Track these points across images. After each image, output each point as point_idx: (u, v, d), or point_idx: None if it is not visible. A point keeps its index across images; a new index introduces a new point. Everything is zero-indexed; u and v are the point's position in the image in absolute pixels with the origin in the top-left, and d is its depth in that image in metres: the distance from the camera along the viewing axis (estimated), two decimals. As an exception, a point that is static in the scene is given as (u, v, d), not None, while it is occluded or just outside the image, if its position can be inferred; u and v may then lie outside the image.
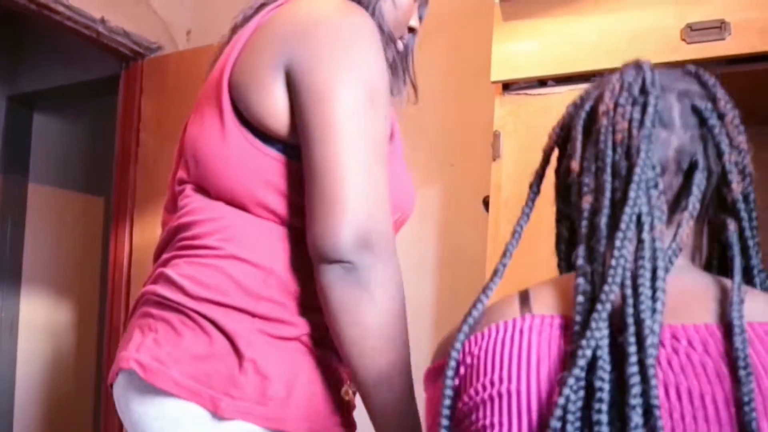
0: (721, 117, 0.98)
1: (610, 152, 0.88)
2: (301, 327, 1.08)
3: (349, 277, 0.99)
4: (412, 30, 1.37)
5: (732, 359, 0.75)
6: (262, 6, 1.19)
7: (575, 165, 0.94)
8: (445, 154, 2.99)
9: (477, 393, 0.84)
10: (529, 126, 2.19)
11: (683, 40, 1.99)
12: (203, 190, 1.12)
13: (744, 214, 0.93)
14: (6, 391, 4.57)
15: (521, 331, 0.86)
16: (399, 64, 1.36)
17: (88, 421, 4.55)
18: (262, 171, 1.07)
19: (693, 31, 1.98)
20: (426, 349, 2.90)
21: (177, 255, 1.10)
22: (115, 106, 3.66)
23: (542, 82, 2.22)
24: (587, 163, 0.91)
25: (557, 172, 1.06)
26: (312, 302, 1.06)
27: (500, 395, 0.81)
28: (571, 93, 2.12)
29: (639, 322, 0.78)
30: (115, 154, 3.59)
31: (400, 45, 1.34)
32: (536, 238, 2.14)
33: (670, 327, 0.80)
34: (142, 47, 3.50)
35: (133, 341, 1.07)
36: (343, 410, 1.14)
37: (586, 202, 0.90)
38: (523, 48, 2.21)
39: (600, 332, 0.79)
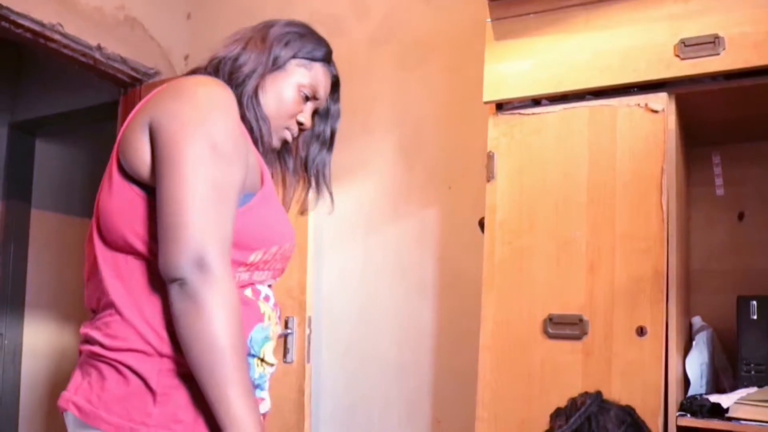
0: None
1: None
2: None
3: (182, 291, 1.19)
4: (301, 125, 1.57)
5: None
6: None
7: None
8: (442, 177, 2.97)
9: None
10: (522, 146, 2.16)
11: (677, 56, 1.97)
12: (103, 240, 1.33)
13: None
14: (10, 416, 4.56)
15: None
16: (279, 148, 1.60)
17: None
18: (139, 207, 1.28)
19: (687, 47, 1.96)
20: (427, 371, 2.88)
21: (98, 318, 1.32)
22: (115, 131, 3.67)
23: (536, 101, 2.19)
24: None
25: None
26: None
27: None
28: (565, 112, 2.12)
29: None
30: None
31: (286, 134, 1.56)
32: (531, 265, 2.12)
33: None
34: (140, 73, 3.50)
35: (74, 382, 1.31)
36: None
37: None
38: (515, 67, 2.19)
39: None
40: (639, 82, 2.03)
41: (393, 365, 3.00)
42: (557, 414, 1.66)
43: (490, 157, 2.21)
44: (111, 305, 1.29)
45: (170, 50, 3.65)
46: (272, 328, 1.41)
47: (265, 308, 1.40)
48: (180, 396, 1.24)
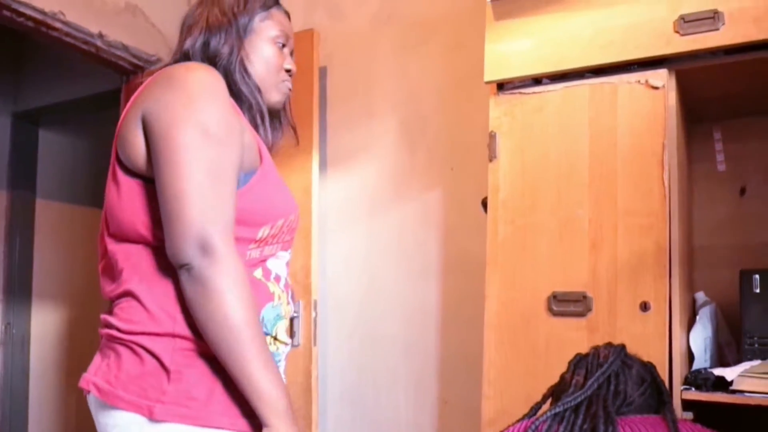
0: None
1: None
2: None
3: (191, 276, 1.23)
4: (289, 71, 1.61)
5: None
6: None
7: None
8: (444, 158, 2.97)
9: None
10: (524, 125, 2.17)
11: (677, 32, 1.97)
12: (113, 235, 1.37)
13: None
14: (19, 405, 4.59)
15: None
16: (282, 108, 1.66)
17: (103, 434, 4.56)
18: (144, 198, 1.32)
19: (686, 23, 1.96)
20: (432, 352, 2.90)
21: (115, 305, 1.37)
22: (118, 119, 3.67)
23: (537, 80, 2.20)
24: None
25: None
26: None
27: None
28: (566, 90, 2.13)
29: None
30: (118, 168, 3.59)
31: (283, 87, 1.60)
32: (534, 243, 2.13)
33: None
34: (142, 60, 3.51)
35: (94, 364, 1.37)
36: None
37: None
38: (516, 47, 2.19)
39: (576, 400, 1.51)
40: (639, 58, 2.03)
41: (399, 346, 3.02)
42: (578, 363, 1.66)
43: (491, 136, 2.21)
44: (126, 293, 1.34)
45: (172, 37, 3.65)
46: (284, 307, 1.45)
47: (275, 288, 1.43)
48: (193, 374, 1.28)
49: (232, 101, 1.41)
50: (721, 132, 2.44)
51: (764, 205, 2.37)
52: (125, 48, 3.40)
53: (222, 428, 1.28)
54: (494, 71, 2.22)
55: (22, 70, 4.75)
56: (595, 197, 2.05)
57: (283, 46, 1.59)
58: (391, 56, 3.14)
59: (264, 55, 1.54)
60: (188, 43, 1.52)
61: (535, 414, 1.67)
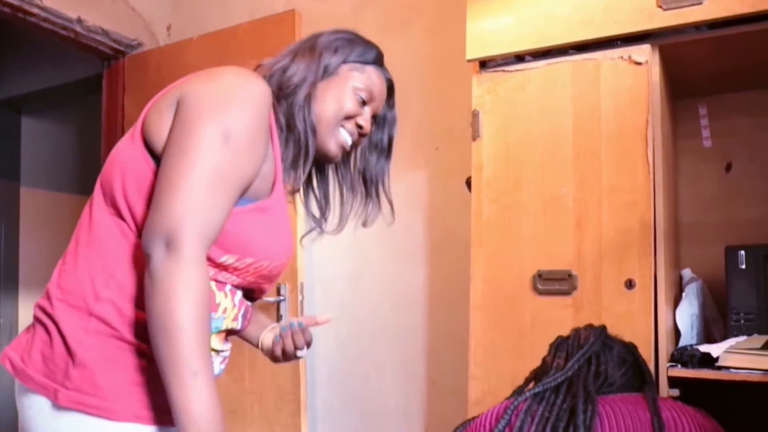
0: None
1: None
2: (132, 328, 1.24)
3: (148, 268, 1.16)
4: (360, 128, 1.52)
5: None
6: None
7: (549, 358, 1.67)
8: (429, 139, 2.95)
9: None
10: (507, 103, 2.15)
11: (659, 6, 1.95)
12: (102, 186, 1.32)
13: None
14: (9, 397, 4.56)
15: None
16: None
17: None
18: (137, 170, 1.26)
19: (669, -3, 1.94)
20: (420, 333, 2.88)
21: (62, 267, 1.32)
22: (100, 104, 3.64)
23: (519, 58, 2.18)
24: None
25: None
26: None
27: None
28: (549, 67, 2.11)
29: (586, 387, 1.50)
30: (101, 154, 3.57)
31: (342, 137, 1.50)
32: (519, 222, 2.12)
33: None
34: (122, 45, 3.47)
35: (18, 338, 1.32)
36: None
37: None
38: (497, 24, 2.17)
39: (556, 380, 1.53)
40: (621, 34, 2.01)
41: (386, 328, 3.01)
42: (558, 346, 1.66)
43: (474, 115, 2.20)
44: (73, 253, 1.29)
45: (152, 21, 3.62)
46: (226, 321, 1.38)
47: (222, 299, 1.36)
48: (103, 361, 1.21)
49: (274, 129, 1.37)
50: (706, 108, 2.43)
51: (750, 182, 2.37)
52: (105, 33, 3.36)
53: (125, 422, 1.20)
54: (476, 49, 2.20)
55: (2, 57, 4.70)
56: (580, 175, 2.03)
57: (365, 103, 1.52)
58: (374, 37, 3.07)
59: (338, 98, 1.48)
60: (270, 61, 1.48)
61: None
